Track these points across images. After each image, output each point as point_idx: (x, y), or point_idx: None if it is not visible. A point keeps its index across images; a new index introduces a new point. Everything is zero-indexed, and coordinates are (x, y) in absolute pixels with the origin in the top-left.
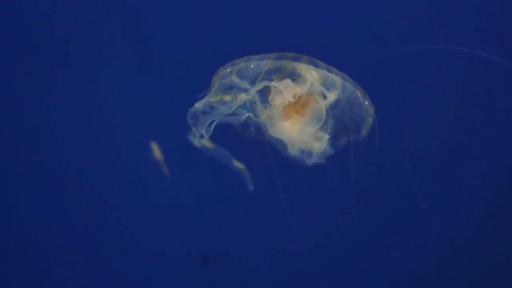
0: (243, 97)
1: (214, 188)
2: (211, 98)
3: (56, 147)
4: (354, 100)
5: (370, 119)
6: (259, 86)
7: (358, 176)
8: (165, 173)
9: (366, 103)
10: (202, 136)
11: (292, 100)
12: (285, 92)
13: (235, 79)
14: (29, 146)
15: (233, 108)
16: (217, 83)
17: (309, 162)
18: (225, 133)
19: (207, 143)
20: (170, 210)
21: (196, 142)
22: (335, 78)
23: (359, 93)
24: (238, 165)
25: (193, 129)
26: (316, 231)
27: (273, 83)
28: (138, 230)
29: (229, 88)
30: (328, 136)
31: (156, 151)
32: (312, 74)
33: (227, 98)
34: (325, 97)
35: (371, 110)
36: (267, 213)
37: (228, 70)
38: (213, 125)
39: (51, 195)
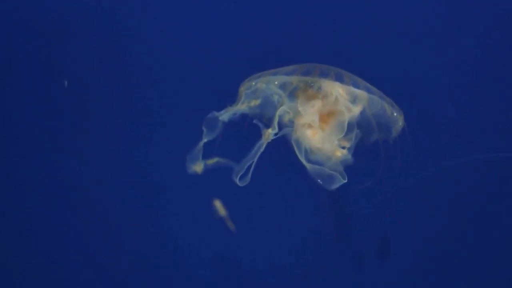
0: (270, 132)
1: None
2: (239, 107)
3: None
4: (383, 114)
5: (400, 124)
6: (284, 108)
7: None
8: (230, 228)
9: (395, 114)
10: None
11: (316, 123)
12: (307, 117)
13: (262, 86)
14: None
15: (264, 146)
16: (244, 93)
17: (330, 187)
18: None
19: (199, 168)
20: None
21: (196, 168)
22: (361, 93)
23: (386, 106)
24: (210, 162)
25: (204, 134)
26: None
27: (298, 106)
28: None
29: (257, 95)
30: (348, 148)
31: (220, 208)
32: (338, 90)
33: (255, 102)
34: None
35: (401, 118)
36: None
37: (254, 83)
38: (251, 170)
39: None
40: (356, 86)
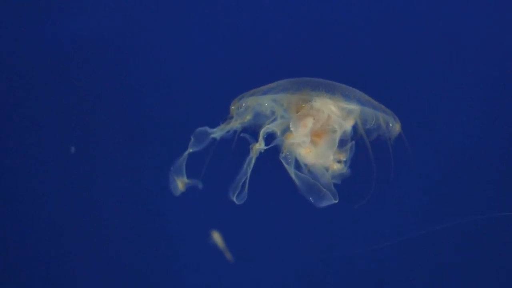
0: (257, 147)
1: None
2: (232, 124)
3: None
4: (378, 125)
5: (397, 130)
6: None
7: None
8: (228, 258)
9: (391, 124)
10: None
11: (307, 144)
12: (298, 138)
13: (252, 103)
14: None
15: (253, 161)
16: (236, 113)
17: (320, 205)
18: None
19: (182, 184)
20: None
21: (179, 183)
22: (354, 108)
23: (381, 117)
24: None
25: (191, 143)
26: None
27: (290, 126)
28: None
29: (249, 111)
30: (344, 161)
31: (218, 239)
32: (330, 108)
33: (247, 117)
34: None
35: (397, 126)
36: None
37: (244, 104)
38: (246, 186)
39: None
40: (348, 99)
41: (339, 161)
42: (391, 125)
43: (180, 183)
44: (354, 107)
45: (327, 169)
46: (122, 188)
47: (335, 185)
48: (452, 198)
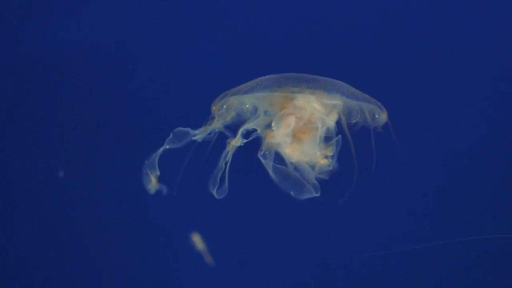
0: (233, 144)
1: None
2: (215, 125)
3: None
4: (364, 119)
5: (384, 118)
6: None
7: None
8: (208, 261)
9: (377, 116)
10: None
11: (288, 144)
12: (280, 138)
13: (234, 102)
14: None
15: (229, 156)
16: (217, 114)
17: (301, 197)
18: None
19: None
20: None
21: (152, 178)
22: (337, 102)
23: (366, 111)
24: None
25: (169, 139)
26: None
27: (272, 125)
28: None
29: (231, 110)
30: (331, 156)
31: (198, 242)
32: (312, 105)
33: (230, 116)
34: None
35: (384, 115)
36: None
37: (225, 106)
38: (226, 180)
39: None
40: (331, 93)
41: (326, 157)
42: (377, 116)
43: (154, 179)
44: (337, 102)
45: (313, 166)
46: (122, 188)
47: (321, 180)
48: (452, 196)
